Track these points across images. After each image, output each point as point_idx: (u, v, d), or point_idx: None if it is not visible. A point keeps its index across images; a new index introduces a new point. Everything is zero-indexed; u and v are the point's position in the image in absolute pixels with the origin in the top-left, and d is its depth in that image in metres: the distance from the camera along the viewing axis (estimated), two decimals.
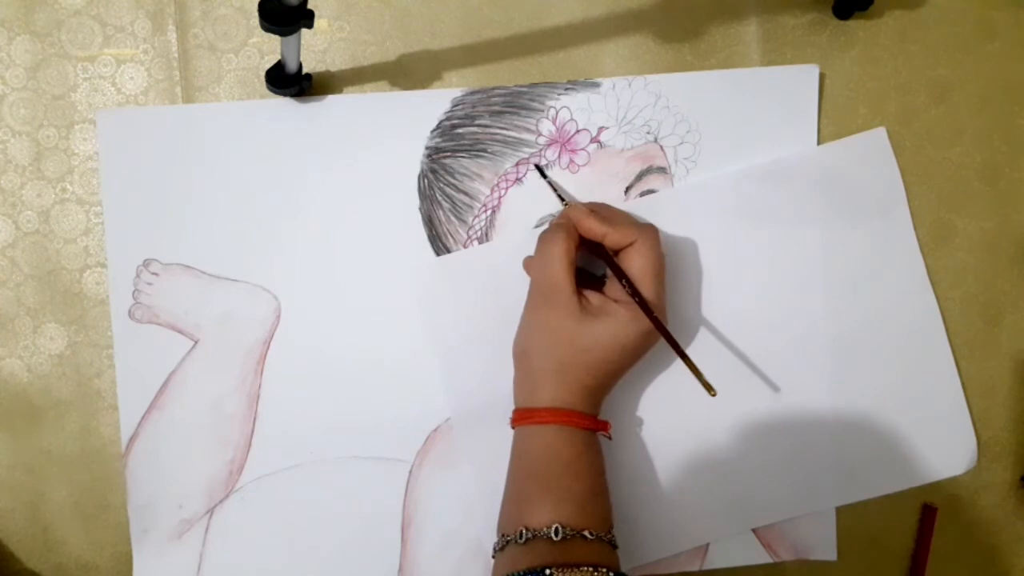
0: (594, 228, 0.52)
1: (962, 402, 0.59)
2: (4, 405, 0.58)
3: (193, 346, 0.57)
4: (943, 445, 0.59)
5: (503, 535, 0.49)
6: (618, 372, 0.52)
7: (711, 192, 0.58)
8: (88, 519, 0.58)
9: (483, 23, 0.58)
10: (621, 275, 0.51)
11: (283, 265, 0.58)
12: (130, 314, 0.57)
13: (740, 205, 0.58)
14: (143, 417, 0.57)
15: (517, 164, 0.58)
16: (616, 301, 0.51)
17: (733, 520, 0.58)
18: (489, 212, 0.58)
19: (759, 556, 0.58)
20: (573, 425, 0.50)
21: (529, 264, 0.54)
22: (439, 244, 0.58)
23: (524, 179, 0.58)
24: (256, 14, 0.45)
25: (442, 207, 0.58)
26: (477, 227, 0.58)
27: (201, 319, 0.57)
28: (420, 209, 0.58)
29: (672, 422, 0.58)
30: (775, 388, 0.58)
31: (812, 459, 0.58)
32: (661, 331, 0.50)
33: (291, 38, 0.49)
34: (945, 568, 0.60)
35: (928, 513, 0.60)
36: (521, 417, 0.51)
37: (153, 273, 0.57)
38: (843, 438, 0.58)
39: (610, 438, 0.53)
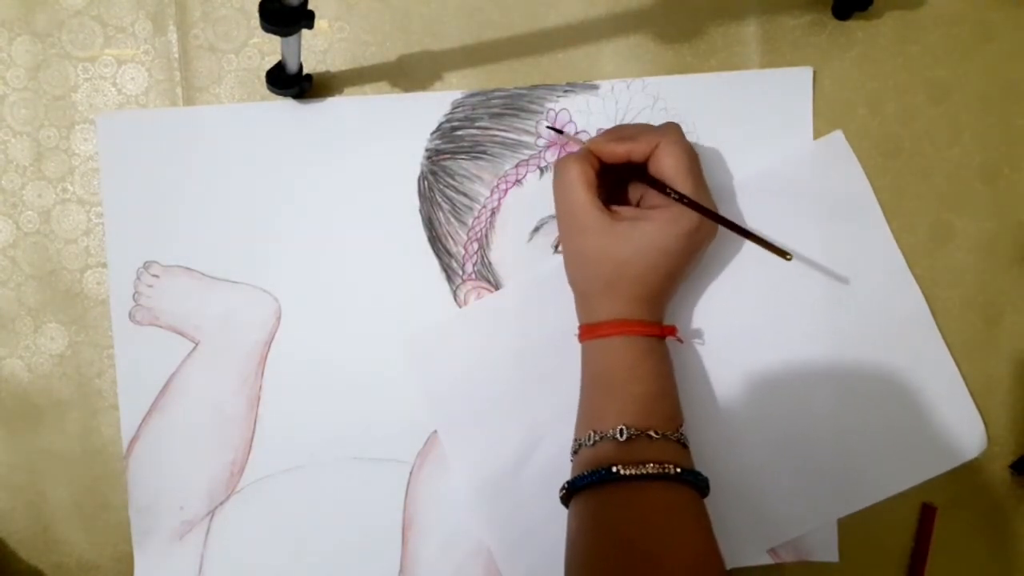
0: (616, 149, 0.52)
1: (962, 388, 0.59)
2: (5, 405, 0.58)
3: (194, 348, 0.57)
4: (950, 433, 0.59)
5: (576, 440, 0.51)
6: (671, 277, 0.52)
7: None
8: (89, 519, 0.58)
9: (483, 24, 0.58)
10: (654, 182, 0.51)
11: (283, 267, 0.58)
12: (131, 316, 0.57)
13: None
14: (144, 419, 0.57)
15: (516, 166, 0.58)
16: (653, 207, 0.52)
17: (755, 541, 0.58)
18: (489, 213, 0.58)
19: (760, 557, 0.58)
20: (633, 333, 0.50)
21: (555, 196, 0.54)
22: (439, 245, 0.58)
23: (524, 181, 0.58)
24: (257, 15, 0.45)
25: (442, 208, 0.58)
26: (477, 229, 0.58)
27: (202, 321, 0.57)
28: (420, 211, 0.58)
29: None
30: (778, 401, 0.58)
31: (821, 467, 0.58)
32: (715, 218, 0.50)
33: (291, 39, 0.49)
34: (945, 567, 0.60)
35: (928, 513, 0.60)
36: (584, 333, 0.52)
37: (153, 275, 0.57)
38: (850, 443, 0.58)
39: (681, 341, 0.54)
